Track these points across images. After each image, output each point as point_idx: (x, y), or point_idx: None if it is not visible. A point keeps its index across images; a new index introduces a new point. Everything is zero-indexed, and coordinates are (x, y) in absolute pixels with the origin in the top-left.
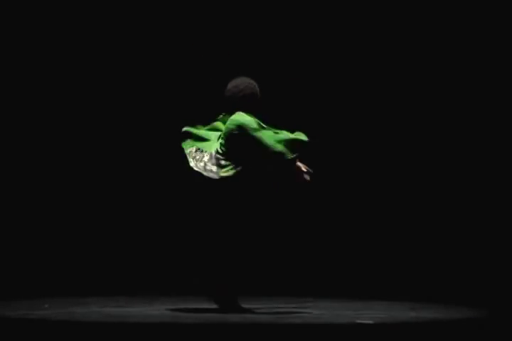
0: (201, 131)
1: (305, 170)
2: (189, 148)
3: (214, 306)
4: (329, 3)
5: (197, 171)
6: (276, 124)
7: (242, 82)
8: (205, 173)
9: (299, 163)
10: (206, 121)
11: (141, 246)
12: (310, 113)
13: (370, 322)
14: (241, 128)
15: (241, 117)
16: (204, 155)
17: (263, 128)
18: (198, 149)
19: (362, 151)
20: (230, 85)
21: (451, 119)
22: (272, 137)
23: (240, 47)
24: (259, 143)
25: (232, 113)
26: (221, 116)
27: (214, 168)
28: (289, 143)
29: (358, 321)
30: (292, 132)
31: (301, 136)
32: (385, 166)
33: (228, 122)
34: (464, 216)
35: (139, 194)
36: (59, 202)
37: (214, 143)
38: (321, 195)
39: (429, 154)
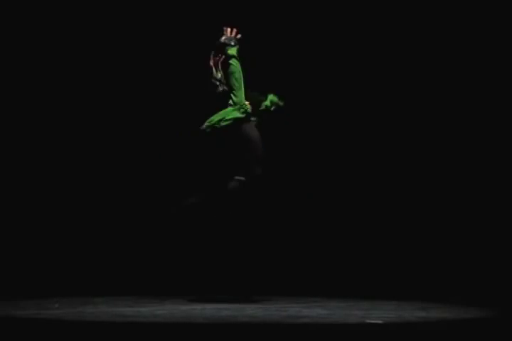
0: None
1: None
2: None
3: (223, 305)
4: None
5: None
6: None
7: None
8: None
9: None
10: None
11: (150, 247)
12: (311, 114)
13: (380, 321)
14: None
15: None
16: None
17: None
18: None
19: (367, 152)
20: None
21: (451, 121)
22: None
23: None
24: None
25: None
26: None
27: None
28: None
29: (368, 321)
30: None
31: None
32: (389, 169)
33: None
34: (474, 218)
35: (148, 198)
36: (70, 204)
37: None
38: (330, 197)
39: (437, 154)
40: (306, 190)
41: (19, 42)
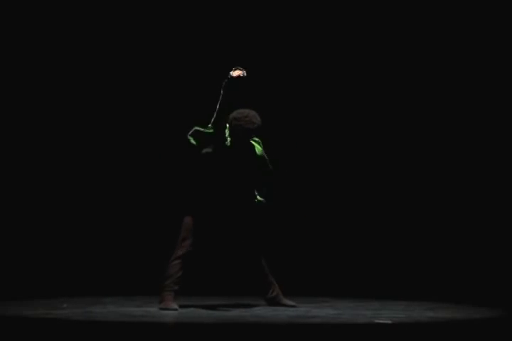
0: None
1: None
2: None
3: (232, 305)
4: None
5: None
6: None
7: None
8: None
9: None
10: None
11: (158, 248)
12: (312, 114)
13: (389, 322)
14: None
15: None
16: None
17: None
18: None
19: (370, 154)
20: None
21: (451, 122)
22: None
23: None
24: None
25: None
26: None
27: None
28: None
29: (377, 321)
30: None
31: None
32: (394, 171)
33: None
34: (482, 219)
35: (155, 200)
36: (79, 206)
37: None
38: (338, 197)
39: (438, 155)
40: (310, 190)
41: (20, 43)
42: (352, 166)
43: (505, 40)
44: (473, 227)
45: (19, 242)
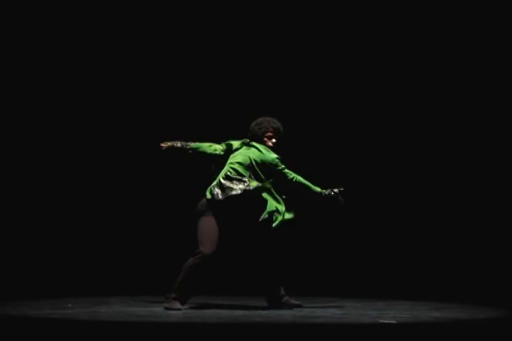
0: None
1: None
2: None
3: (237, 305)
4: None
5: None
6: None
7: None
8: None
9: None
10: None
11: (163, 248)
12: (313, 114)
13: (394, 321)
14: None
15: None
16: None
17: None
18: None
19: (371, 154)
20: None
21: (450, 124)
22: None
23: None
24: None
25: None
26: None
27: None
28: None
29: (381, 321)
30: None
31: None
32: (397, 172)
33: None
34: (487, 220)
35: (158, 201)
36: (83, 205)
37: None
38: (343, 197)
39: (438, 155)
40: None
41: (20, 43)
42: (355, 165)
43: (505, 40)
44: (477, 228)
45: (24, 242)
